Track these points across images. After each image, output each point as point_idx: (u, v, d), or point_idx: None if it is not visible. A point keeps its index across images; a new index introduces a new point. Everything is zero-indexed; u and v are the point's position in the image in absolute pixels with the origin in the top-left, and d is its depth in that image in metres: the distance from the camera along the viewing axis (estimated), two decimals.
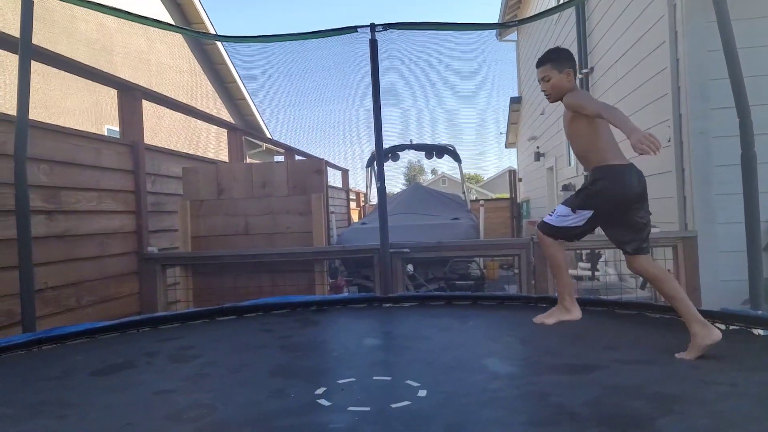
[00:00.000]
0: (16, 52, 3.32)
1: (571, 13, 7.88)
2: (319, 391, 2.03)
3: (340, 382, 2.15)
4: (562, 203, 2.64)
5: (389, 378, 2.23)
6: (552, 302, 3.55)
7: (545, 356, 2.54)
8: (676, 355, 2.38)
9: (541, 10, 8.72)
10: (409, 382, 2.10)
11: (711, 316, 2.93)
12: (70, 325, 3.26)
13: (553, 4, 9.01)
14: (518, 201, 13.73)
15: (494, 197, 22.90)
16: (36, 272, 3.33)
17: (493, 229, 11.20)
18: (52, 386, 2.23)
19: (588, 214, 2.53)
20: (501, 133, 15.99)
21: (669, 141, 4.83)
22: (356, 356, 2.64)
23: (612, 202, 2.51)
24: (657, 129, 5.19)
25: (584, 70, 7.57)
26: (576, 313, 2.65)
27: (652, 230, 4.16)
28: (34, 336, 2.97)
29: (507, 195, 14.43)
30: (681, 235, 4.16)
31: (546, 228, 2.66)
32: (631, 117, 6.13)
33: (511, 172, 14.63)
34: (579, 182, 8.29)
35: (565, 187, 8.94)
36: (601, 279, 6.64)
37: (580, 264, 7.45)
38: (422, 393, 1.98)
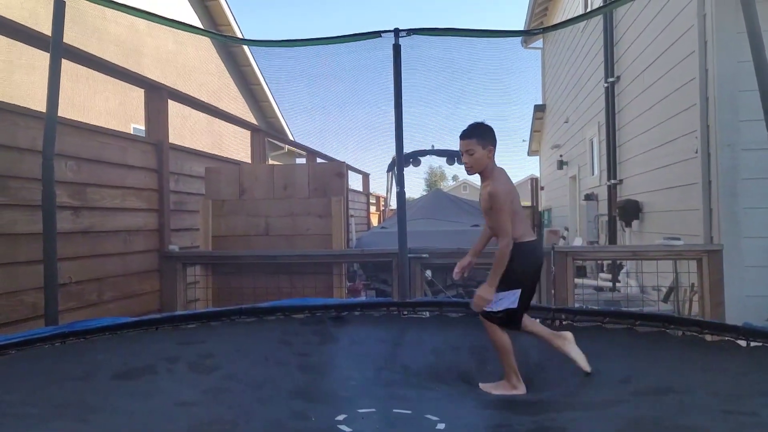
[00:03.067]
0: (47, 51, 3.40)
1: (598, 21, 7.79)
2: (340, 417, 2.02)
3: (361, 411, 2.14)
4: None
5: (409, 411, 2.22)
6: (571, 313, 3.51)
7: (565, 388, 2.50)
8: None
9: (568, 18, 8.65)
10: (428, 415, 2.09)
11: (734, 331, 2.86)
12: (92, 319, 3.32)
13: (581, 11, 8.92)
14: (539, 209, 13.60)
15: None
16: (60, 267, 3.40)
17: None
18: (75, 387, 2.25)
19: (518, 292, 2.70)
20: (524, 141, 15.85)
21: (696, 152, 4.74)
22: (375, 384, 2.61)
23: (530, 274, 2.78)
24: (684, 140, 5.11)
25: (610, 79, 7.48)
26: (521, 389, 2.71)
27: (677, 242, 4.10)
28: (57, 330, 3.03)
29: (528, 203, 14.30)
30: (706, 248, 4.07)
31: (491, 317, 2.74)
32: (658, 127, 6.08)
33: (533, 180, 14.48)
34: (602, 192, 8.18)
35: (588, 197, 8.83)
36: (622, 290, 6.54)
37: (601, 275, 7.34)
38: (441, 426, 1.96)
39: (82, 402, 2.05)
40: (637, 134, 6.68)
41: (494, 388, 2.74)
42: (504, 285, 2.69)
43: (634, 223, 6.63)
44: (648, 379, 2.57)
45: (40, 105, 3.59)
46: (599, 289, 6.84)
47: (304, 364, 2.82)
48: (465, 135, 2.77)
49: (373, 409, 2.17)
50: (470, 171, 2.81)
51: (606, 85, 7.57)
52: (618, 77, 7.40)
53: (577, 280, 5.75)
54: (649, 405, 2.19)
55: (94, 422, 1.88)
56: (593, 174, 9.09)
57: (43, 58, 3.54)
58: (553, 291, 4.13)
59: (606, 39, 7.59)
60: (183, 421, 1.95)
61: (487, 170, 2.76)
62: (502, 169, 2.82)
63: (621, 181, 7.39)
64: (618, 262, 6.63)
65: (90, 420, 1.89)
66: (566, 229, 10.96)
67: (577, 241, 9.04)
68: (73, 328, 3.06)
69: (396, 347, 3.33)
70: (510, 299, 2.70)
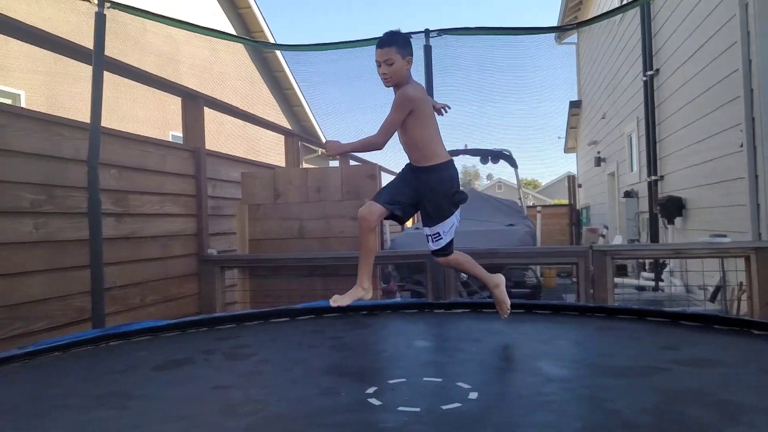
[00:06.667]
0: (90, 64, 3.53)
1: (635, 13, 7.60)
2: (370, 390, 2.03)
3: (391, 382, 2.15)
4: (435, 226, 2.75)
5: (440, 379, 2.22)
6: (608, 312, 3.43)
7: (600, 358, 2.46)
8: None
9: (603, 11, 8.46)
10: (459, 383, 2.08)
11: None
12: (134, 322, 3.42)
13: (616, 4, 8.72)
14: (577, 207, 13.34)
15: (552, 203, 22.35)
16: (105, 272, 3.52)
17: (550, 236, 10.93)
18: (116, 379, 2.34)
19: (457, 213, 2.77)
20: (560, 138, 15.62)
21: (741, 146, 4.57)
22: (406, 357, 2.63)
23: (457, 187, 2.78)
24: (728, 133, 4.93)
25: (649, 73, 7.28)
26: (498, 280, 2.91)
27: (723, 240, 3.96)
28: (102, 332, 3.13)
29: (565, 201, 14.05)
30: (754, 245, 3.92)
31: (446, 249, 2.79)
32: (701, 120, 5.90)
33: (570, 178, 14.24)
34: (642, 189, 7.96)
35: (627, 194, 8.61)
36: (665, 290, 6.35)
37: (643, 274, 7.14)
38: (473, 395, 1.95)
39: (122, 392, 2.14)
40: (678, 128, 6.48)
41: (501, 307, 2.91)
42: (445, 213, 2.71)
43: (677, 220, 6.43)
44: (693, 350, 2.51)
45: (83, 115, 3.73)
46: (641, 288, 6.66)
47: (336, 345, 2.87)
48: (383, 43, 2.65)
49: (403, 379, 2.16)
50: (388, 82, 2.69)
51: (644, 78, 7.36)
52: (657, 70, 7.20)
53: (618, 280, 5.61)
54: (691, 376, 2.12)
55: (133, 408, 1.96)
56: (632, 170, 8.87)
57: (86, 69, 3.68)
58: (591, 291, 4.05)
59: (644, 31, 7.39)
60: (217, 402, 2.02)
61: (404, 81, 2.67)
62: (419, 83, 2.74)
63: (662, 177, 7.18)
64: (661, 260, 6.44)
65: (129, 407, 1.97)
66: (605, 227, 10.71)
67: (617, 240, 8.83)
68: (119, 331, 3.16)
69: (429, 324, 3.42)
70: (455, 219, 2.76)
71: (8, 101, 6.44)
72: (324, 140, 3.59)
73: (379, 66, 2.66)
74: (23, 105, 6.72)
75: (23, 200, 3.20)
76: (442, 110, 3.05)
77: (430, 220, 2.75)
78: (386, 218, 2.78)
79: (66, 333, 3.22)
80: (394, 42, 2.65)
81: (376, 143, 2.67)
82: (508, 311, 2.92)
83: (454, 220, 2.75)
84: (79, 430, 1.78)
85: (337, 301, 2.78)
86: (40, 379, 2.38)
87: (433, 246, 2.78)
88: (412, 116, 2.63)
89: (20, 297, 3.16)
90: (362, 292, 2.81)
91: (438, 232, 2.73)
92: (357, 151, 2.85)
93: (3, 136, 3.10)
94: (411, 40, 2.73)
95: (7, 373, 2.43)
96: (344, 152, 2.80)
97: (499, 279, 2.92)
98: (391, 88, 2.73)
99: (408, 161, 2.82)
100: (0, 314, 3.05)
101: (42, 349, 2.72)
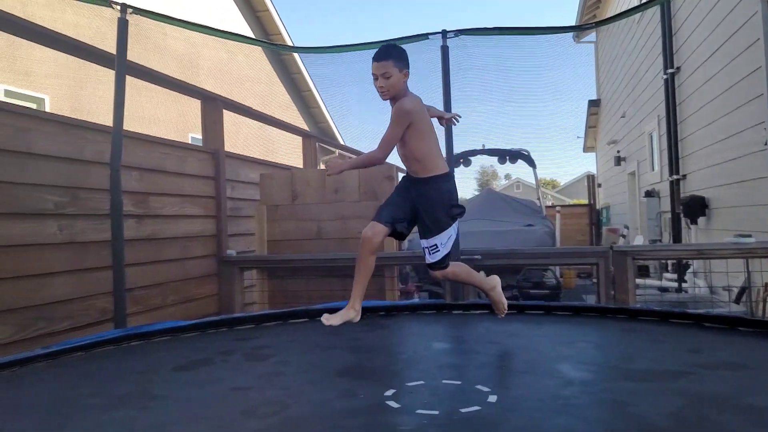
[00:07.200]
0: (112, 68, 3.59)
1: (655, 11, 7.49)
2: (388, 392, 2.03)
3: (409, 384, 2.15)
4: (432, 238, 2.72)
5: (458, 382, 2.20)
6: (630, 314, 3.38)
7: (621, 361, 2.42)
8: None
9: (622, 10, 8.36)
10: (478, 386, 2.06)
11: None
12: (155, 322, 3.46)
13: (636, 2, 8.60)
14: (597, 207, 13.19)
15: (571, 203, 22.13)
16: (126, 273, 3.57)
17: (570, 237, 10.84)
18: (137, 380, 2.37)
19: (455, 225, 2.74)
20: (578, 137, 15.45)
21: (765, 144, 4.48)
22: (425, 359, 2.62)
23: (456, 201, 2.78)
24: (751, 132, 4.83)
25: (669, 70, 7.17)
26: (494, 282, 2.94)
27: (748, 240, 3.88)
28: (124, 333, 3.18)
29: (585, 201, 13.90)
30: None
31: (442, 262, 2.76)
32: (723, 119, 5.82)
33: (590, 177, 14.08)
34: (663, 188, 7.84)
35: (648, 193, 8.49)
36: (689, 291, 6.25)
37: (666, 275, 7.03)
38: (492, 398, 1.93)
39: (143, 392, 2.16)
40: (700, 127, 6.37)
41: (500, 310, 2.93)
42: (443, 225, 2.69)
43: (701, 220, 6.32)
44: (717, 352, 2.47)
45: (105, 118, 3.79)
46: (664, 289, 6.56)
47: (353, 346, 2.87)
48: (381, 57, 2.63)
49: (422, 382, 2.15)
50: (385, 96, 2.67)
51: (665, 76, 7.26)
52: (678, 68, 7.09)
53: (639, 281, 5.53)
54: (715, 379, 2.08)
55: (154, 409, 1.98)
56: (653, 169, 8.74)
57: (108, 72, 3.74)
58: (612, 292, 3.99)
59: (664, 29, 7.28)
60: (237, 403, 2.04)
61: (401, 94, 2.65)
62: (416, 95, 2.72)
63: (684, 176, 7.06)
64: (684, 261, 6.34)
65: (150, 407, 2.00)
66: (626, 227, 10.57)
67: (638, 240, 8.71)
68: (140, 331, 3.21)
69: (447, 325, 3.41)
70: (454, 230, 2.75)
71: (33, 105, 6.57)
72: (342, 141, 3.62)
73: (376, 79, 2.65)
74: (47, 109, 6.85)
75: (48, 202, 3.27)
76: (453, 119, 3.04)
77: (428, 233, 2.73)
78: (388, 235, 2.77)
79: (88, 333, 3.28)
80: (391, 55, 2.63)
81: (376, 158, 2.68)
82: (506, 311, 2.95)
83: (452, 232, 2.73)
84: (101, 429, 1.81)
85: (329, 320, 2.77)
86: (63, 378, 2.43)
87: (430, 259, 2.76)
88: (410, 129, 2.63)
89: (44, 297, 3.22)
90: (353, 313, 2.79)
91: (435, 244, 2.71)
92: (358, 167, 2.86)
93: (28, 140, 3.16)
94: (407, 54, 2.73)
95: (30, 373, 2.48)
96: (344, 170, 2.81)
97: (495, 281, 2.93)
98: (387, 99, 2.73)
99: (404, 175, 2.85)
100: (25, 314, 3.11)
101: (65, 349, 2.77)
